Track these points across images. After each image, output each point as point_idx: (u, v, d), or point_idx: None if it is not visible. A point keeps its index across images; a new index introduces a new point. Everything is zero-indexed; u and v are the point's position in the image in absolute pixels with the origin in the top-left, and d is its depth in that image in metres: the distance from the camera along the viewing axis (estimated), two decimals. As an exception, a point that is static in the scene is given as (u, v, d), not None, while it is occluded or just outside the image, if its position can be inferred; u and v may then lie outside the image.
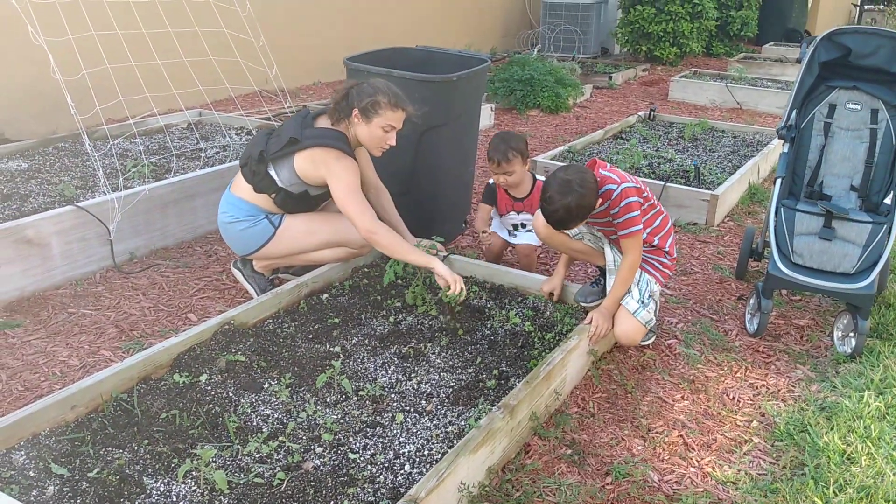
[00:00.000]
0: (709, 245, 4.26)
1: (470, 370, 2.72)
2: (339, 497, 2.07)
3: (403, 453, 2.28)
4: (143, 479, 2.13)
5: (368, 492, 2.10)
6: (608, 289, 2.98)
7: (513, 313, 3.04)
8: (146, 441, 2.28)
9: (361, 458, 2.24)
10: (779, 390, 2.89)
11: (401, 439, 2.34)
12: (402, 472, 2.20)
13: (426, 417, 2.45)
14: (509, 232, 3.66)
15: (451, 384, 2.64)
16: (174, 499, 2.07)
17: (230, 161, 4.50)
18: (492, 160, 3.32)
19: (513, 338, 2.92)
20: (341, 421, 2.41)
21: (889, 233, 3.09)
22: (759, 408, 2.78)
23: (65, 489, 2.07)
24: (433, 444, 2.32)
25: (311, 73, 8.12)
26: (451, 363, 2.77)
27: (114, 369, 2.49)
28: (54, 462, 2.15)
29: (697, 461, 2.48)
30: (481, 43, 10.23)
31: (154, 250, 3.88)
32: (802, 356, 3.13)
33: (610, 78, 8.93)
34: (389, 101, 3.00)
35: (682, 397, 2.83)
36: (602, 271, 3.20)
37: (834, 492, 2.30)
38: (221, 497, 2.07)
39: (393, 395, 2.56)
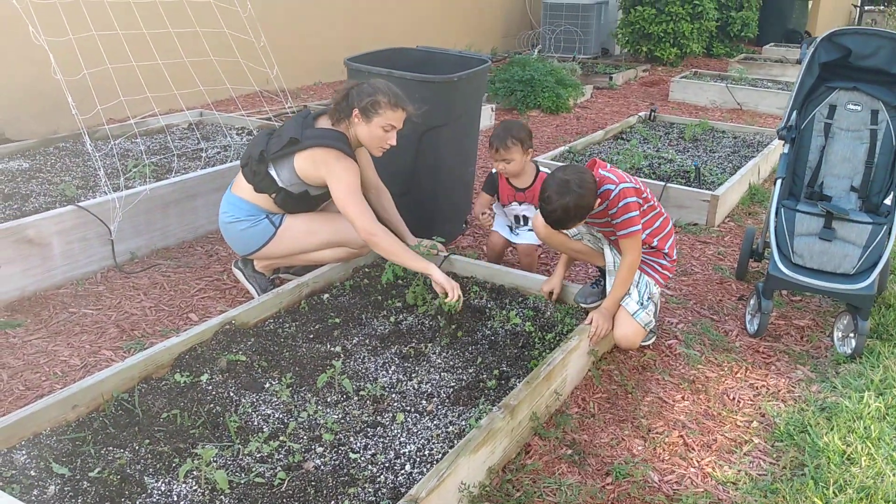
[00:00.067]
0: (709, 245, 4.27)
1: (470, 370, 2.72)
2: (339, 497, 2.08)
3: (404, 453, 2.28)
4: (144, 479, 2.13)
5: (369, 492, 2.11)
6: (608, 290, 2.98)
7: (513, 313, 3.05)
8: (147, 441, 2.28)
9: (362, 458, 2.25)
10: (779, 391, 2.89)
11: (401, 439, 2.34)
12: (402, 471, 2.21)
13: (427, 417, 2.46)
14: (511, 229, 3.65)
15: (452, 384, 2.64)
16: (175, 498, 2.07)
17: (231, 161, 4.51)
18: (491, 146, 3.33)
19: (513, 338, 2.92)
20: (342, 421, 2.41)
21: (889, 233, 3.09)
22: (760, 408, 2.78)
23: (66, 489, 2.07)
24: (434, 443, 2.32)
25: (312, 74, 8.12)
26: (451, 363, 2.77)
27: (115, 369, 2.49)
28: (55, 461, 2.15)
29: (698, 461, 2.49)
30: (482, 43, 10.23)
31: (155, 250, 3.89)
32: (803, 357, 3.14)
33: (610, 78, 8.94)
34: (389, 101, 3.01)
35: (683, 398, 2.84)
36: (602, 272, 3.21)
37: (834, 492, 2.30)
38: (222, 497, 2.07)
39: (393, 395, 2.57)
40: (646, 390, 2.87)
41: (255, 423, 2.40)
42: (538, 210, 2.84)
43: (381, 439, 2.34)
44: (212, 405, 2.46)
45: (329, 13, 8.06)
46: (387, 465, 2.23)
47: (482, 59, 3.92)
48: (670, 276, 3.10)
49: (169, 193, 3.90)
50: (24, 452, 2.19)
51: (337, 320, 3.03)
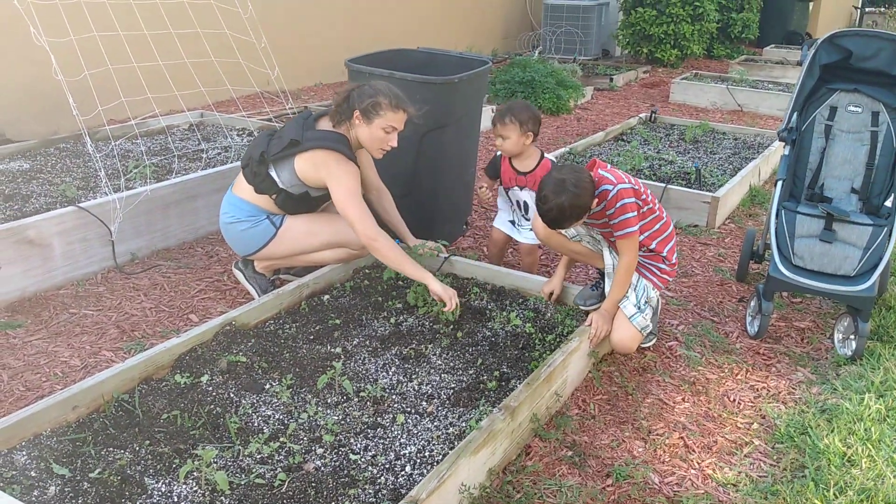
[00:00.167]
0: (709, 247, 4.27)
1: (471, 371, 2.72)
2: (340, 498, 2.07)
3: (404, 454, 2.28)
4: (145, 480, 2.13)
5: (369, 493, 2.11)
6: (607, 292, 2.98)
7: (514, 315, 3.05)
8: (147, 441, 2.28)
9: (362, 460, 2.25)
10: (779, 392, 2.89)
11: (402, 440, 2.34)
12: (402, 473, 2.20)
13: (427, 419, 2.46)
14: (513, 223, 3.63)
15: (452, 385, 2.64)
16: (175, 499, 2.07)
17: (231, 162, 4.51)
18: (493, 122, 3.35)
19: (514, 339, 2.92)
20: (342, 422, 2.41)
21: (889, 235, 3.09)
22: (760, 410, 2.78)
23: (66, 489, 2.07)
24: (434, 445, 2.32)
25: (313, 75, 8.13)
26: (451, 364, 2.77)
27: (115, 370, 2.49)
28: (56, 462, 2.15)
29: (698, 463, 2.49)
30: (482, 44, 10.24)
31: (155, 251, 3.89)
32: (803, 358, 3.14)
33: (611, 80, 8.94)
34: (390, 102, 3.01)
35: (683, 399, 2.84)
36: (602, 274, 3.20)
37: (834, 494, 2.30)
38: (222, 498, 2.07)
39: (394, 397, 2.57)
40: (646, 392, 2.87)
41: (256, 424, 2.40)
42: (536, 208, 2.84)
43: (382, 440, 2.34)
44: (212, 406, 2.46)
45: (329, 14, 8.06)
46: (387, 466, 2.23)
47: (483, 61, 3.92)
48: (670, 280, 3.09)
49: (169, 194, 3.90)
50: (24, 453, 2.19)
51: (337, 321, 3.03)
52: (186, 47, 5.08)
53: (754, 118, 7.58)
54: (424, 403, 2.54)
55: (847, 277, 3.10)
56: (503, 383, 2.64)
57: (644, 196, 2.91)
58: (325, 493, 2.09)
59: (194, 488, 2.11)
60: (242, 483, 2.12)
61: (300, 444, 2.29)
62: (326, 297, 3.24)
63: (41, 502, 2.03)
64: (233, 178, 3.33)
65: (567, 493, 2.30)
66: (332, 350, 2.83)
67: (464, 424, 2.41)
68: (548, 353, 2.79)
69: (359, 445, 2.31)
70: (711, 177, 4.97)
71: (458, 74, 3.59)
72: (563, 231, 3.03)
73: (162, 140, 5.12)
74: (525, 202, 3.48)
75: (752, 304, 3.33)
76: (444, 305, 2.95)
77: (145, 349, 2.83)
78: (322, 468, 2.20)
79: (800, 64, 3.49)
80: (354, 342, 2.91)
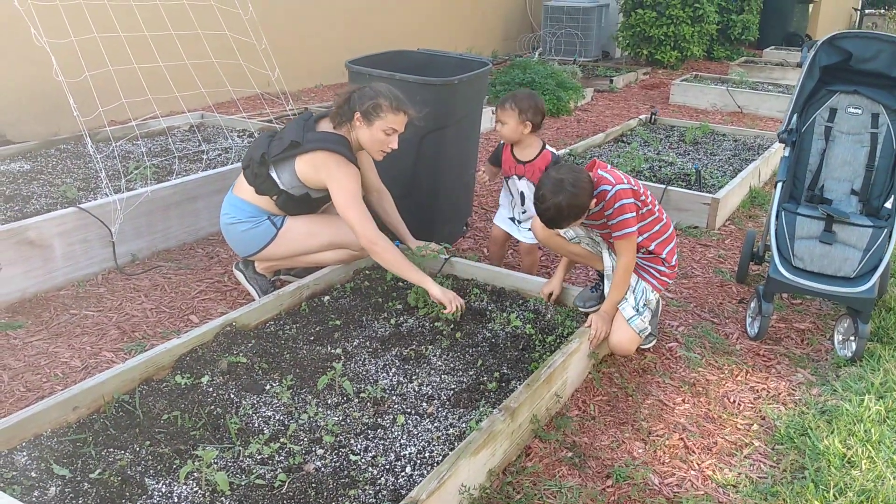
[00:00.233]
0: (710, 248, 4.27)
1: (471, 372, 2.72)
2: (340, 499, 2.08)
3: (404, 455, 2.28)
4: (145, 481, 2.13)
5: (369, 493, 2.11)
6: (606, 293, 2.98)
7: (514, 316, 3.05)
8: (148, 442, 2.28)
9: (362, 460, 2.25)
10: (779, 394, 2.90)
11: (402, 441, 2.34)
12: (403, 474, 2.21)
13: (427, 419, 2.46)
14: (513, 220, 3.63)
15: (452, 386, 2.64)
16: (176, 500, 2.07)
17: (232, 163, 4.51)
18: (495, 107, 3.39)
19: (514, 340, 2.92)
20: (342, 423, 2.42)
21: (889, 237, 3.10)
22: (760, 411, 2.78)
23: (66, 490, 2.07)
24: (434, 446, 2.32)
25: (313, 76, 8.13)
26: (452, 365, 2.77)
27: (115, 370, 2.50)
28: (56, 463, 2.16)
29: (698, 464, 2.49)
30: (482, 46, 10.25)
31: (156, 252, 3.89)
32: (803, 360, 3.14)
33: (611, 81, 8.95)
34: (391, 104, 3.01)
35: (683, 400, 2.84)
36: (601, 276, 3.20)
37: (834, 495, 2.30)
38: (223, 498, 2.07)
39: (394, 397, 2.57)
40: (646, 393, 2.87)
41: (256, 425, 2.40)
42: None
43: (382, 441, 2.34)
44: (212, 407, 2.46)
45: (330, 15, 8.07)
46: (387, 467, 2.23)
47: (483, 62, 3.92)
48: (669, 282, 3.08)
49: (170, 195, 3.90)
50: (24, 454, 2.19)
51: (337, 322, 3.03)
52: (187, 48, 5.08)
53: (754, 120, 7.58)
54: (424, 404, 2.54)
55: (847, 279, 3.11)
56: (503, 384, 2.65)
57: (644, 197, 2.91)
58: (325, 493, 2.09)
59: (194, 489, 2.11)
60: (243, 484, 2.12)
61: (300, 445, 2.30)
62: (327, 298, 3.24)
63: (41, 503, 2.03)
64: (233, 180, 3.34)
65: (567, 494, 2.30)
66: (333, 351, 2.83)
67: (464, 425, 2.41)
68: (548, 354, 2.79)
69: (359, 446, 2.31)
70: (711, 178, 4.97)
71: (458, 76, 3.59)
72: (561, 233, 3.03)
73: (162, 141, 5.12)
74: (523, 192, 3.48)
75: (752, 305, 3.34)
76: (445, 308, 2.96)
77: (146, 350, 2.83)
78: (322, 469, 2.20)
79: (799, 66, 3.49)
80: (355, 343, 2.91)
